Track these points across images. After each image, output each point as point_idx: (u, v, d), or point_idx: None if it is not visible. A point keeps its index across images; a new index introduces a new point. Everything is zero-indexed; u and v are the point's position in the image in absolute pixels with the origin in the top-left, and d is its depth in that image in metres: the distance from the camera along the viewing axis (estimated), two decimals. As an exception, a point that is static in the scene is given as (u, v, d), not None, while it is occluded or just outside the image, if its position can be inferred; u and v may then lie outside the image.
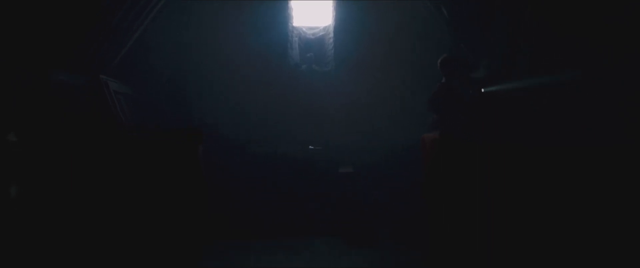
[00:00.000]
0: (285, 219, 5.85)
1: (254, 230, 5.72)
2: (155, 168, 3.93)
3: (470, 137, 4.10)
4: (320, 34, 7.32)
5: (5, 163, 3.56)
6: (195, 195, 4.11)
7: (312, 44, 7.29)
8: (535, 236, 3.52)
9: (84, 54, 4.99)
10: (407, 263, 4.76)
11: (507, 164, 3.69)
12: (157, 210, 3.89)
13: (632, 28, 3.34)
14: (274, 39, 7.08)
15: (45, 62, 4.33)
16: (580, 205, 3.34)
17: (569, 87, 4.12)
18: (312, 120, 6.99)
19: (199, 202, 4.22)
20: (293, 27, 7.18)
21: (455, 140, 3.96)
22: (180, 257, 3.92)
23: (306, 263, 4.74)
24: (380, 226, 5.63)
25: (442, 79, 5.27)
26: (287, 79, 7.10)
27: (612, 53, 3.64)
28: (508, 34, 4.92)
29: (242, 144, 6.43)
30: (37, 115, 4.03)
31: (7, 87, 3.70)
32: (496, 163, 3.72)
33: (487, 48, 5.49)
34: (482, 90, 5.20)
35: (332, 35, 7.18)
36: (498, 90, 5.11)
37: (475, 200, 3.76)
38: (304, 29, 7.28)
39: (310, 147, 6.43)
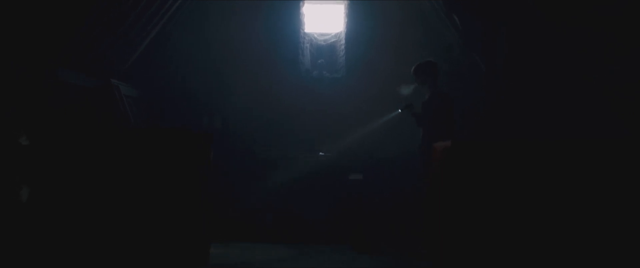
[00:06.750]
0: (293, 223, 5.84)
1: (261, 233, 5.73)
2: (165, 170, 3.93)
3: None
4: (332, 40, 7.32)
5: (17, 166, 3.59)
6: (204, 197, 4.11)
7: (324, 51, 7.30)
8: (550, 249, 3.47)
9: (97, 57, 5.05)
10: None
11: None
12: (165, 211, 3.89)
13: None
14: (286, 44, 7.11)
15: (57, 64, 4.39)
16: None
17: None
18: (323, 126, 6.98)
19: (208, 205, 4.22)
20: (304, 33, 7.20)
21: (468, 149, 3.89)
22: (188, 257, 3.92)
23: (314, 265, 4.73)
24: (391, 233, 5.59)
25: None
26: (297, 85, 7.11)
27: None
28: (510, 42, 4.93)
29: (252, 148, 6.44)
30: (48, 117, 4.07)
31: (19, 89, 3.75)
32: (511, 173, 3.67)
33: (496, 56, 5.47)
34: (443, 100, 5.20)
35: (343, 42, 7.18)
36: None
37: (484, 211, 3.71)
38: (315, 35, 7.28)
39: (320, 153, 6.42)
